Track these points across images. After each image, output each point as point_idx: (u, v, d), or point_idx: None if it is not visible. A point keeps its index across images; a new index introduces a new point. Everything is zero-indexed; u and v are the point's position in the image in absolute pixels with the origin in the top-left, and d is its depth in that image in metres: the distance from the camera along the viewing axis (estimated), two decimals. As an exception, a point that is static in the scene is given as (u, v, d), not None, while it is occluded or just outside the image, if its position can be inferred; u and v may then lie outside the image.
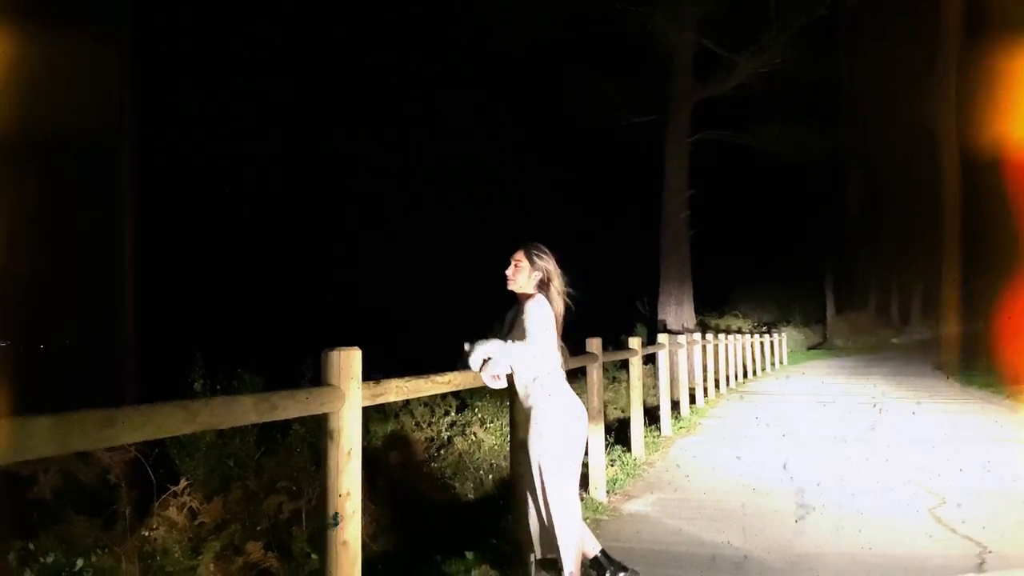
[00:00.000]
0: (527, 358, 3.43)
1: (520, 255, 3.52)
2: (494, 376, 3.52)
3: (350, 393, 2.61)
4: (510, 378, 3.60)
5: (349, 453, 2.59)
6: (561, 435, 3.39)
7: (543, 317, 3.42)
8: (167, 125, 28.38)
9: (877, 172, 32.09)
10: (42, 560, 3.71)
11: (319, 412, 2.55)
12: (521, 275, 3.51)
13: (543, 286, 3.50)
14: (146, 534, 4.23)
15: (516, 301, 3.61)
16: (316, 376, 2.68)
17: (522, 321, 3.45)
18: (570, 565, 3.35)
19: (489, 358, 3.46)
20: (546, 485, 3.37)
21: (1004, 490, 5.74)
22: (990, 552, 4.19)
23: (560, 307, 3.53)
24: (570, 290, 3.59)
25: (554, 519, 3.35)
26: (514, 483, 4.03)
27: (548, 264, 3.51)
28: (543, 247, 3.57)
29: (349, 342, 2.67)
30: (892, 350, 31.06)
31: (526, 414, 3.54)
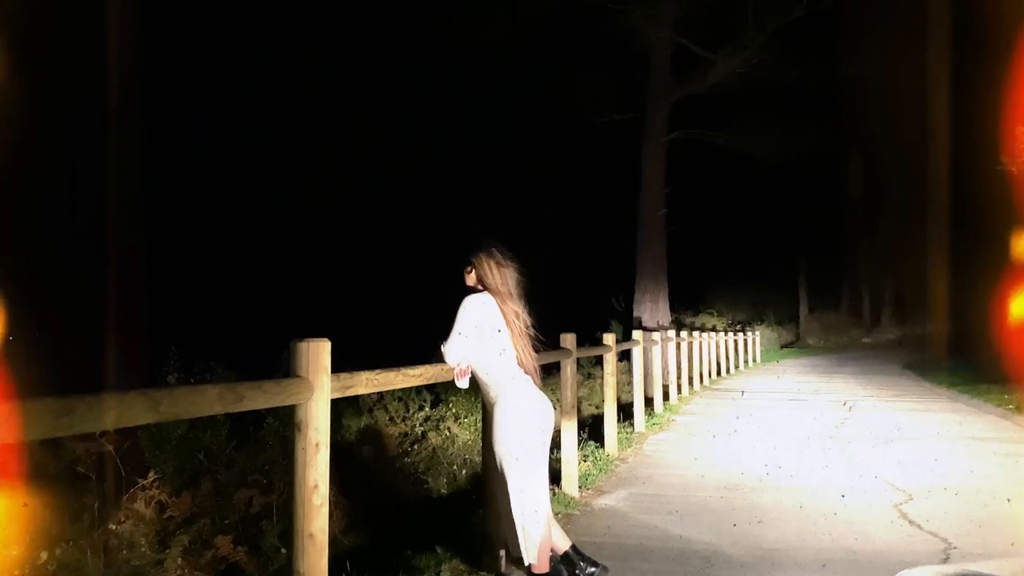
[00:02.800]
0: (445, 354, 3.57)
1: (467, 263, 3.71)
2: (459, 373, 3.63)
3: (319, 385, 2.59)
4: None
5: (317, 445, 2.58)
6: (512, 433, 3.46)
7: (460, 316, 3.56)
8: (148, 125, 27.93)
9: (860, 172, 32.44)
10: (6, 553, 3.65)
11: (287, 403, 2.53)
12: (469, 279, 3.69)
13: (484, 286, 3.65)
14: (113, 527, 4.18)
15: None
16: (287, 368, 2.66)
17: None
18: (530, 556, 3.41)
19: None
20: (506, 480, 3.46)
21: (969, 487, 5.84)
22: (954, 548, 4.27)
23: (510, 304, 3.60)
24: (511, 282, 3.67)
25: (513, 512, 3.44)
26: (486, 478, 4.04)
27: (480, 266, 3.64)
28: (480, 249, 3.67)
29: (328, 337, 2.65)
30: (863, 349, 31.51)
31: (489, 411, 3.63)
